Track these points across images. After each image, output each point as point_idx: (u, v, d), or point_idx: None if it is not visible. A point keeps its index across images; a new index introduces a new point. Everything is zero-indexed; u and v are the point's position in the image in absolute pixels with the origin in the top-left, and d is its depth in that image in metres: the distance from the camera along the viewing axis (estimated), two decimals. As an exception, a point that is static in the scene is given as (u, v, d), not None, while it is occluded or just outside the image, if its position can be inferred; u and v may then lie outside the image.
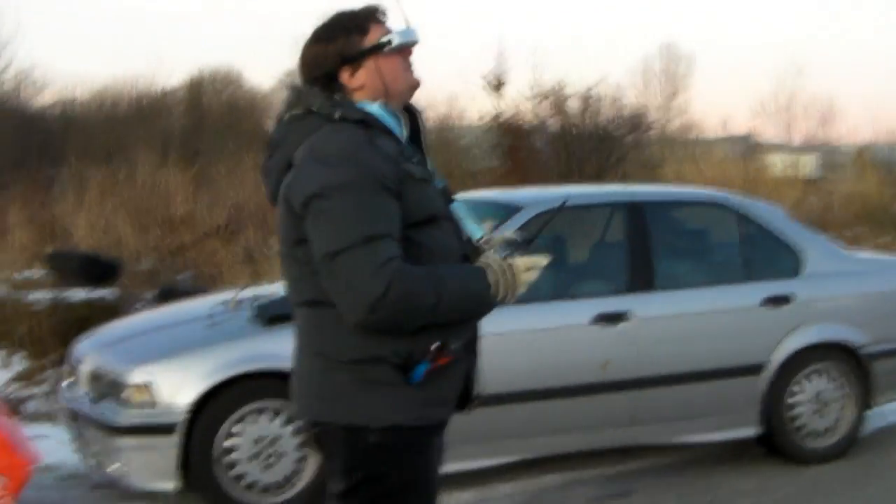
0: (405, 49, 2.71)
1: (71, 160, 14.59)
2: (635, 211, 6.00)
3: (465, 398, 2.73)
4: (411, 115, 2.78)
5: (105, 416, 5.16)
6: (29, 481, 4.77)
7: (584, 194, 6.49)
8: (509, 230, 2.95)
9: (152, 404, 5.04)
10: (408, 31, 2.73)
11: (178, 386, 5.05)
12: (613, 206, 6.25)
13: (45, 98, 39.89)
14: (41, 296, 8.80)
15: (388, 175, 2.47)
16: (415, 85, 2.72)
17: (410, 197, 2.51)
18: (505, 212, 5.69)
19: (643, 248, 5.89)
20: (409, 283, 2.39)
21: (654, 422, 5.84)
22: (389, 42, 2.64)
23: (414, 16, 2.72)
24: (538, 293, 5.88)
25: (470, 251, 2.67)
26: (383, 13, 2.74)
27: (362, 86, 2.64)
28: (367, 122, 2.58)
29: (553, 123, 17.08)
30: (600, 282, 6.06)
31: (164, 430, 5.03)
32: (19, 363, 8.09)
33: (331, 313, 2.48)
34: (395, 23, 2.75)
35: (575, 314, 5.67)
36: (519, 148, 16.24)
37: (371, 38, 2.64)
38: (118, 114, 38.59)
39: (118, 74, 58.51)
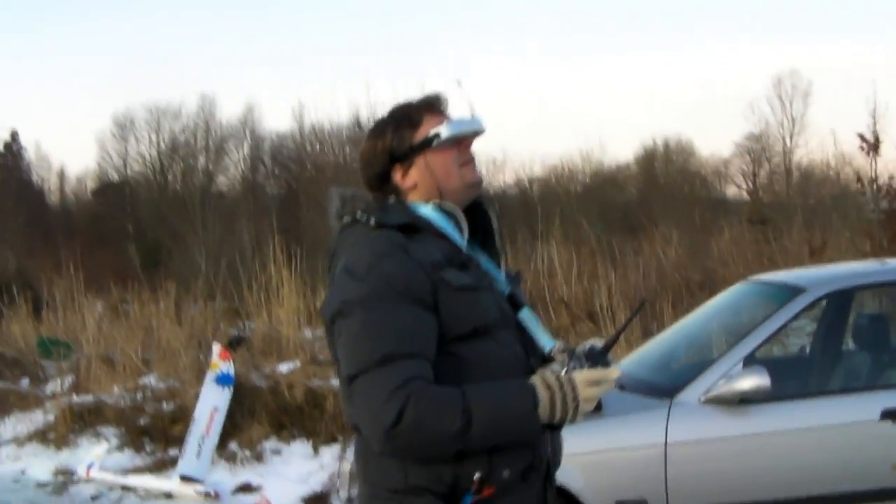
0: (462, 142, 2.41)
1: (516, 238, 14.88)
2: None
3: None
4: (482, 212, 2.46)
5: None
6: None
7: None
8: (595, 339, 2.45)
9: None
10: (462, 121, 2.43)
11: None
12: None
13: (506, 177, 42.58)
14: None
15: (417, 286, 2.23)
16: (473, 182, 2.42)
17: (449, 308, 2.25)
18: (788, 294, 5.07)
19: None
20: (428, 407, 2.13)
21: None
22: (438, 135, 2.38)
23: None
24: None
25: (537, 364, 2.36)
26: (443, 102, 2.45)
27: (414, 185, 2.41)
28: (416, 226, 2.32)
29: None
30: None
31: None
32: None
33: None
34: (462, 110, 2.45)
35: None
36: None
37: (423, 132, 2.40)
38: (571, 189, 40.16)
39: (571, 151, 61.17)
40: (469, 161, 2.42)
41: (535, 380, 2.25)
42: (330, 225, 2.52)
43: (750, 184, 43.94)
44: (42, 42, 66.55)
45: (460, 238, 2.37)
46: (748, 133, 43.97)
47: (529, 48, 67.54)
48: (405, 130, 2.40)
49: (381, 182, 2.44)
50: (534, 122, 65.06)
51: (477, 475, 2.24)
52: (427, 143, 2.38)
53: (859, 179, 12.22)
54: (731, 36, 67.22)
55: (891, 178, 11.86)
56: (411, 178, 2.40)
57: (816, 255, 11.46)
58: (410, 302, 2.21)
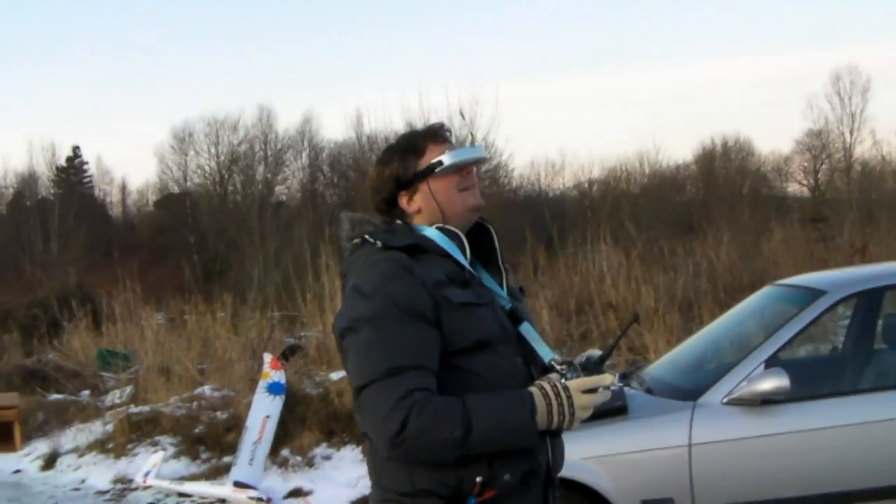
0: (464, 168, 2.54)
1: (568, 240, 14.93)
2: None
3: None
4: (484, 231, 2.61)
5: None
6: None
7: None
8: (593, 350, 2.55)
9: None
10: (463, 150, 2.56)
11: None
12: None
13: (565, 180, 42.58)
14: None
15: (420, 303, 2.35)
16: (474, 206, 2.55)
17: (451, 323, 2.37)
18: (809, 297, 5.11)
19: None
20: (430, 416, 2.25)
21: None
22: (441, 163, 2.52)
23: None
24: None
25: (538, 375, 2.47)
26: (446, 131, 2.59)
27: (419, 209, 2.54)
28: (421, 247, 2.46)
29: None
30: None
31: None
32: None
33: None
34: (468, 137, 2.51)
35: None
36: None
37: (426, 160, 2.54)
38: (629, 192, 39.98)
39: (629, 153, 60.83)
40: (470, 186, 2.54)
41: (533, 389, 2.37)
42: (342, 246, 2.68)
43: (811, 181, 43.39)
44: (102, 57, 67.98)
45: (463, 258, 2.49)
46: (808, 130, 43.44)
47: (588, 51, 67.25)
48: (410, 158, 2.53)
49: (388, 206, 2.57)
50: (591, 124, 64.88)
51: (479, 479, 2.33)
52: (430, 171, 2.50)
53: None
54: (787, 33, 66.32)
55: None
56: (416, 203, 2.53)
57: (859, 254, 11.35)
58: (414, 319, 2.33)
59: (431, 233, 2.50)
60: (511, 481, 2.38)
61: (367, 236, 2.51)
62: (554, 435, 2.48)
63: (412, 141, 2.57)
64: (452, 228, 2.51)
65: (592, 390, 2.39)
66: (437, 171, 2.50)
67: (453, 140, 2.61)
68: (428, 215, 2.53)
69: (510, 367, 2.44)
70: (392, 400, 2.25)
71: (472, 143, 2.63)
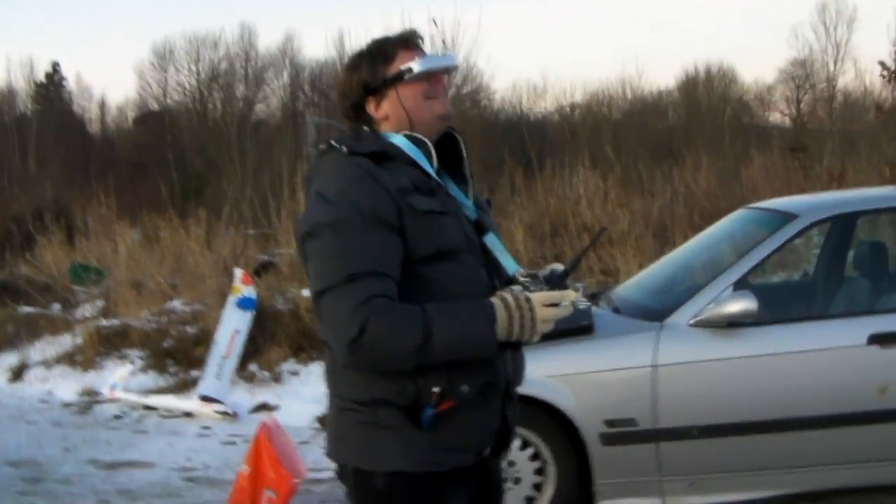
0: (433, 76, 2.49)
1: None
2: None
3: (503, 443, 2.57)
4: (453, 141, 2.56)
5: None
6: (294, 495, 4.94)
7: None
8: (556, 264, 2.53)
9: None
10: (433, 57, 2.52)
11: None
12: None
13: (547, 103, 42.34)
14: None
15: (383, 210, 2.32)
16: (442, 114, 2.50)
17: (414, 231, 2.35)
18: (780, 221, 5.07)
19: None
20: (389, 323, 2.24)
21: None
22: (410, 70, 2.46)
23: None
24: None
25: (501, 287, 2.43)
26: (418, 38, 2.54)
27: (386, 116, 2.50)
28: (387, 154, 2.42)
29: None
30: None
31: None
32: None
33: None
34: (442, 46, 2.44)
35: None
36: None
37: (396, 66, 2.48)
38: (611, 117, 39.82)
39: (611, 77, 60.55)
40: (439, 95, 2.49)
41: (495, 299, 2.34)
42: (307, 151, 2.60)
43: (794, 110, 43.24)
44: (82, -29, 66.51)
45: (429, 166, 2.45)
46: (792, 59, 43.16)
47: (572, -27, 66.30)
48: (379, 64, 2.47)
49: (356, 112, 2.52)
50: (574, 49, 64.33)
51: (436, 389, 2.32)
52: (399, 77, 2.45)
53: (878, 108, 12.05)
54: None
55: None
56: (384, 110, 2.48)
57: (836, 182, 11.32)
58: (376, 225, 2.30)
59: (399, 140, 2.46)
60: (469, 393, 2.37)
61: (332, 142, 2.47)
62: (514, 348, 2.45)
63: (382, 46, 2.51)
64: (420, 136, 2.47)
65: (555, 304, 2.35)
66: (406, 77, 2.45)
67: (425, 48, 2.54)
68: (395, 122, 2.49)
69: (473, 277, 2.42)
70: (351, 305, 2.24)
71: (444, 52, 2.57)
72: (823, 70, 41.99)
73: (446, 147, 2.54)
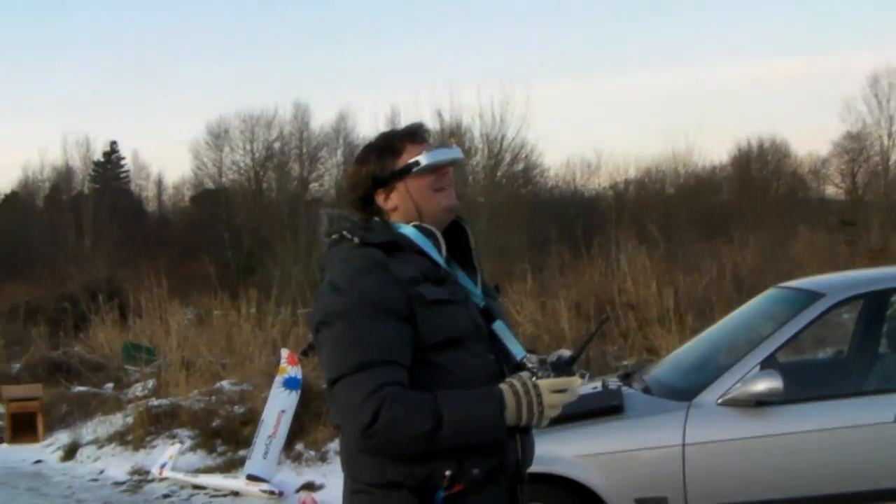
0: (440, 169, 2.58)
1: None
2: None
3: None
4: (461, 231, 2.65)
5: None
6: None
7: None
8: (564, 350, 2.58)
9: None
10: (440, 150, 2.60)
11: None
12: None
13: (601, 180, 42.47)
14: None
15: (392, 300, 2.39)
16: (449, 207, 2.59)
17: (424, 320, 2.41)
18: (808, 300, 5.11)
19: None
20: (400, 410, 2.30)
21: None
22: (418, 163, 2.56)
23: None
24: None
25: (510, 372, 2.50)
26: (425, 132, 2.63)
27: (395, 207, 2.58)
28: (397, 244, 2.51)
29: None
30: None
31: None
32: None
33: None
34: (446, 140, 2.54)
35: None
36: None
37: (403, 160, 2.58)
38: (664, 192, 39.79)
39: (664, 153, 60.58)
40: (446, 187, 2.58)
41: (503, 386, 2.41)
42: (321, 242, 2.73)
43: (848, 183, 42.89)
44: (139, 53, 68.54)
45: (438, 255, 2.53)
46: (845, 132, 42.95)
47: (623, 52, 66.94)
48: (387, 158, 2.57)
49: (365, 204, 2.62)
50: (629, 125, 64.62)
51: (448, 473, 2.38)
52: (407, 171, 2.54)
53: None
54: (825, 34, 65.64)
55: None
56: (393, 202, 2.56)
57: (876, 258, 11.26)
58: (387, 314, 2.37)
59: (408, 230, 2.53)
60: (479, 476, 2.42)
61: (344, 232, 2.55)
62: (524, 432, 2.52)
63: (390, 140, 2.60)
64: (429, 227, 2.55)
65: (561, 390, 2.42)
66: (414, 171, 2.54)
67: (431, 141, 2.63)
68: (404, 213, 2.56)
69: (482, 363, 2.48)
70: (364, 393, 2.30)
71: (450, 145, 2.68)
72: (877, 142, 41.73)
73: (455, 236, 2.63)
